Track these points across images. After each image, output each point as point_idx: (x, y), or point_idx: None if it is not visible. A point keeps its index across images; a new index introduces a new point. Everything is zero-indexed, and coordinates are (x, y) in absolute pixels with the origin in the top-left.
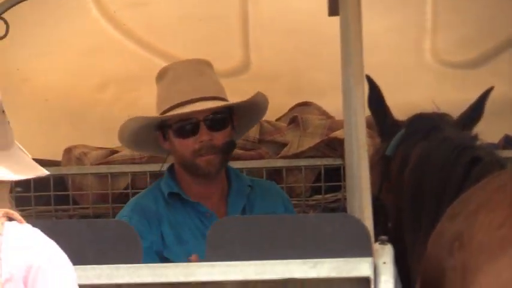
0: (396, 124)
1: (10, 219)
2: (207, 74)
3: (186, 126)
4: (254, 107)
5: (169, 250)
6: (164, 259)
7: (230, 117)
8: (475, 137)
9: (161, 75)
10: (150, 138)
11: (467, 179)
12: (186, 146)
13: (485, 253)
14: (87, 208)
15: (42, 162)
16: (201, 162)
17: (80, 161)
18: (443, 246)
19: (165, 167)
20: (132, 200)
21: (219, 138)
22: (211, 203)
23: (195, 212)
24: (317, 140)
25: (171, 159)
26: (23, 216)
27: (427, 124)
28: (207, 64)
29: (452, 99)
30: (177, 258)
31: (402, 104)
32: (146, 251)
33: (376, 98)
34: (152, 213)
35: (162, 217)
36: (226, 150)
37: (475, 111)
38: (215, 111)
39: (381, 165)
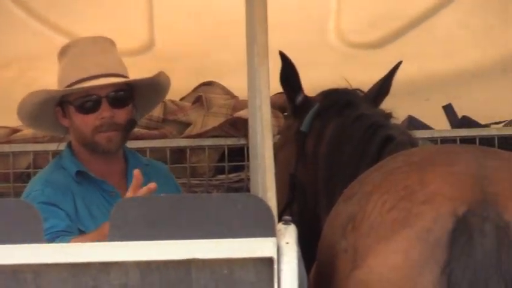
0: (308, 100)
1: None
2: (110, 51)
3: (88, 102)
4: (156, 87)
5: (82, 224)
6: (79, 231)
7: (131, 95)
8: (389, 115)
9: (63, 52)
10: (49, 116)
11: (380, 157)
12: (87, 122)
13: (376, 235)
14: None
15: None
16: (101, 139)
17: None
18: (338, 227)
19: (61, 146)
20: (37, 177)
21: (121, 115)
22: (113, 182)
23: (100, 190)
24: (221, 120)
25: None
26: None
27: (341, 99)
28: (110, 42)
29: (357, 80)
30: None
31: (306, 84)
32: (66, 219)
33: (289, 74)
34: (64, 186)
35: (74, 191)
36: (128, 128)
37: (383, 86)
38: (117, 88)
39: (296, 142)
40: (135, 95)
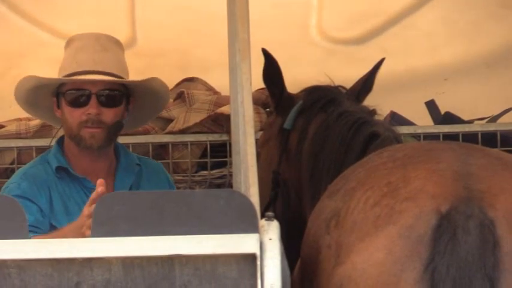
0: (291, 98)
1: None
2: (112, 51)
3: (78, 96)
4: (152, 95)
5: (56, 219)
6: (51, 227)
7: (125, 98)
8: (373, 112)
9: (68, 43)
10: (47, 105)
11: (364, 154)
12: (74, 116)
13: (359, 232)
14: None
15: None
16: (85, 134)
17: None
18: (322, 223)
19: (52, 142)
20: (19, 170)
21: (108, 114)
22: (97, 179)
23: (81, 187)
24: (203, 116)
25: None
26: None
27: (324, 96)
28: (116, 42)
29: (339, 76)
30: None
31: (288, 80)
32: (37, 214)
33: (272, 72)
34: (42, 180)
35: (51, 186)
36: (112, 130)
37: (366, 83)
38: (109, 87)
39: (280, 139)
40: (131, 99)
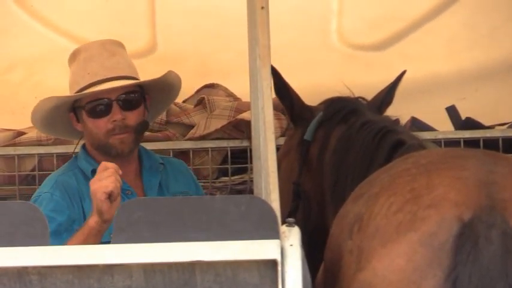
0: (307, 109)
1: None
2: (119, 54)
3: (99, 106)
4: (167, 88)
5: None
6: None
7: (143, 97)
8: (397, 121)
9: (73, 57)
10: (63, 121)
11: (390, 162)
12: (99, 126)
13: (381, 238)
14: None
15: None
16: (114, 141)
17: None
18: (345, 227)
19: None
20: (51, 176)
21: (132, 117)
22: (127, 181)
23: None
24: (224, 122)
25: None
26: None
27: (344, 107)
28: (119, 45)
29: (359, 81)
30: None
31: (308, 85)
32: (66, 226)
33: (280, 86)
34: (74, 189)
35: (83, 194)
36: (139, 130)
37: (388, 94)
38: (127, 91)
39: (300, 150)
40: (146, 97)
